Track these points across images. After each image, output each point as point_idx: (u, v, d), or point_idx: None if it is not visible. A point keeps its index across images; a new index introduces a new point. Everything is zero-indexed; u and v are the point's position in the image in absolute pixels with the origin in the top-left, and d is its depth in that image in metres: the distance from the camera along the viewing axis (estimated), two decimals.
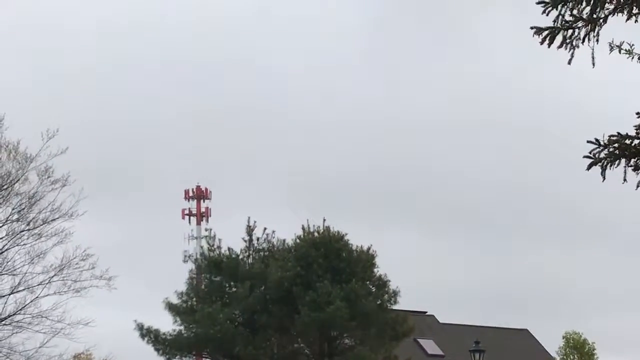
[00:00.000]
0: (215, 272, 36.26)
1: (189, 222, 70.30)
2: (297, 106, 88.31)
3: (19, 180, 30.51)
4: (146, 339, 35.64)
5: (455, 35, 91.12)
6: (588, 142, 11.31)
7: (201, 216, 70.01)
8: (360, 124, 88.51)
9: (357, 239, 36.17)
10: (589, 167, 11.35)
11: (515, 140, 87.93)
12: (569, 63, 10.76)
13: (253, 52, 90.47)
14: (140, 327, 35.58)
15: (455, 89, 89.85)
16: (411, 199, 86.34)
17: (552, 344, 52.70)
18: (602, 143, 11.28)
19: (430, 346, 49.61)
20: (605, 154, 11.27)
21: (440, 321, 52.37)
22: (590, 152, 11.35)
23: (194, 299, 36.09)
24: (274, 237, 36.86)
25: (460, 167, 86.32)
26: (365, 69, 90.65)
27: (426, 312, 51.81)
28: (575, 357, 47.86)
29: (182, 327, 35.70)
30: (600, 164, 11.30)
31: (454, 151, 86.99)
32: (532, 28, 10.89)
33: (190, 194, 70.72)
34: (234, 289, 35.89)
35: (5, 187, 30.28)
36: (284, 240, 36.75)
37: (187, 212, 70.42)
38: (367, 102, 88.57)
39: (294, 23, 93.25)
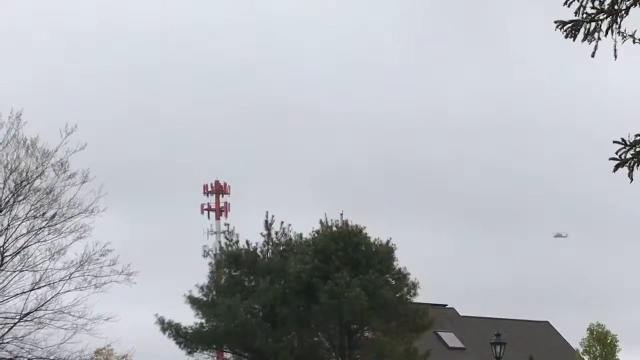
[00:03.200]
0: (234, 266, 36.35)
1: (208, 217, 70.47)
2: (324, 104, 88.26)
3: (38, 176, 30.56)
4: (167, 333, 35.81)
5: (487, 34, 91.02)
6: (614, 142, 10.92)
7: (220, 211, 70.11)
8: (386, 122, 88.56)
9: (377, 234, 36.24)
10: (616, 168, 10.95)
11: (536, 138, 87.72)
12: (592, 56, 10.61)
13: (284, 51, 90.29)
14: (161, 322, 35.73)
15: (485, 89, 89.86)
16: (432, 194, 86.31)
17: (573, 336, 52.53)
18: (628, 143, 10.90)
19: (450, 339, 49.54)
20: (632, 154, 10.89)
21: (461, 314, 52.28)
22: (616, 153, 10.93)
23: (215, 293, 36.20)
24: (291, 232, 36.99)
25: (480, 164, 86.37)
26: (395, 67, 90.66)
27: (446, 305, 51.76)
28: (598, 349, 47.67)
29: (203, 321, 35.85)
30: (627, 164, 10.90)
31: (474, 149, 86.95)
32: (555, 22, 10.76)
33: (209, 188, 70.84)
34: (252, 283, 35.97)
35: (24, 183, 30.34)
36: (302, 235, 36.90)
37: (206, 207, 70.54)
38: (394, 101, 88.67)
39: (325, 23, 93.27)
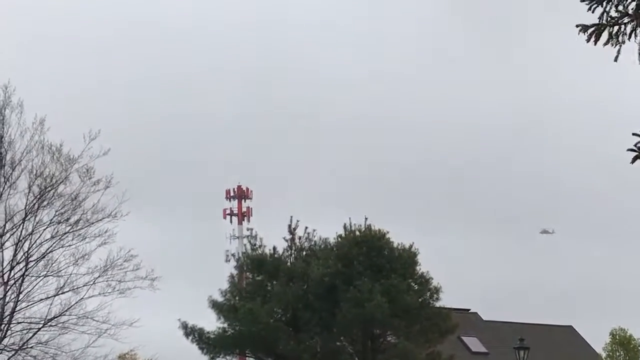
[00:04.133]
0: (257, 270, 36.39)
1: (230, 222, 70.59)
2: (350, 109, 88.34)
3: (62, 182, 30.72)
4: (190, 337, 35.88)
5: (518, 43, 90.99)
6: (633, 134, 10.74)
7: (242, 216, 70.23)
8: (415, 127, 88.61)
9: (400, 238, 36.22)
10: (634, 160, 10.77)
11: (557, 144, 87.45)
12: (615, 60, 10.54)
13: (313, 55, 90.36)
14: (184, 326, 35.82)
15: (518, 95, 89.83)
16: (457, 200, 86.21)
17: (597, 340, 52.28)
18: None
19: (474, 344, 49.39)
20: None
21: (484, 318, 52.13)
22: (635, 145, 10.74)
23: (237, 297, 36.25)
24: (315, 236, 36.99)
25: (502, 168, 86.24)
26: (426, 73, 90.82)
27: (470, 309, 51.60)
28: (621, 353, 47.45)
29: (225, 325, 35.89)
30: None
31: (501, 154, 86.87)
32: (577, 26, 10.70)
33: (232, 193, 70.98)
34: (274, 288, 35.99)
35: (48, 189, 30.49)
36: (326, 239, 36.89)
37: (228, 211, 70.68)
38: (425, 105, 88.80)
39: (357, 30, 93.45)
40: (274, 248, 36.50)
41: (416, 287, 35.72)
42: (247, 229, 46.73)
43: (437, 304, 36.06)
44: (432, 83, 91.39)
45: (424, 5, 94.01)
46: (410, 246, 36.18)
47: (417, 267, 36.03)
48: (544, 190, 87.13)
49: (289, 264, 36.40)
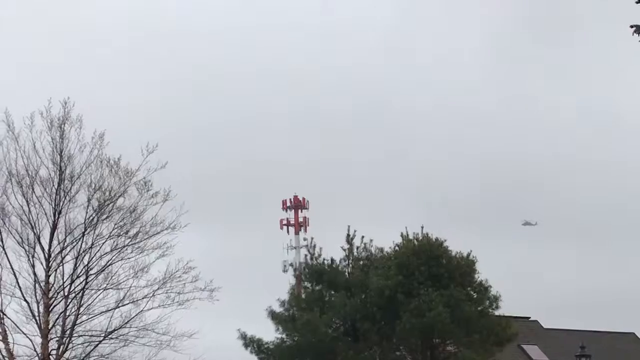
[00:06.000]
0: (316, 281, 36.39)
1: (287, 232, 70.68)
2: (403, 118, 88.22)
3: (120, 195, 31.00)
4: (249, 348, 35.96)
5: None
6: None
7: (299, 226, 70.29)
8: (468, 138, 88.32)
9: (459, 247, 36.02)
10: None
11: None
12: None
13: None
14: (243, 337, 35.91)
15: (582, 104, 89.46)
16: (514, 206, 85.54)
17: None
18: None
19: (534, 352, 48.88)
20: None
21: (545, 326, 51.61)
22: None
23: (295, 308, 36.27)
24: (372, 246, 36.91)
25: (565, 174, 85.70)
26: (488, 72, 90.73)
27: (529, 317, 51.12)
28: None
29: (283, 336, 35.92)
30: None
31: (561, 158, 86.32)
32: (632, 27, 10.53)
33: (288, 204, 71.09)
34: (333, 298, 35.97)
35: (107, 202, 30.78)
36: (382, 249, 36.81)
37: (285, 222, 70.79)
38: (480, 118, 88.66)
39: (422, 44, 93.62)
40: (332, 259, 36.52)
41: (475, 295, 35.49)
42: (304, 239, 46.71)
43: (497, 313, 35.80)
44: (501, 83, 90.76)
45: None
46: (469, 254, 35.98)
47: (476, 275, 35.81)
48: (603, 197, 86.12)
49: (346, 274, 36.37)
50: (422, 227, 36.23)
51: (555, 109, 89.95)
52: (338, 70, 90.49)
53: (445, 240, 35.94)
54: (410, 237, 36.04)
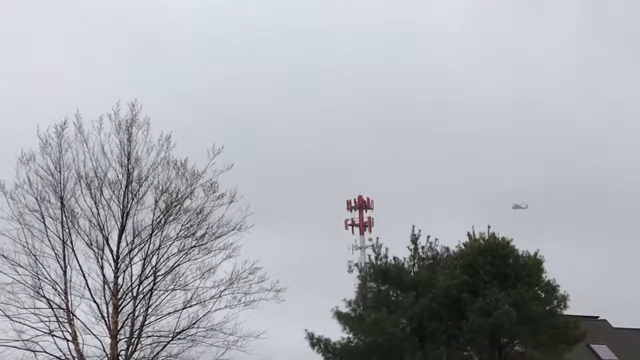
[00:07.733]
0: (382, 280, 36.35)
1: (352, 232, 70.64)
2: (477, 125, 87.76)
3: (187, 197, 31.19)
4: (316, 348, 36.06)
5: None
6: None
7: (364, 226, 70.23)
8: (539, 141, 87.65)
9: (526, 246, 35.75)
10: None
11: None
12: None
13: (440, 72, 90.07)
14: (310, 337, 36.01)
15: None
16: (585, 206, 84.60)
17: None
18: None
19: (604, 352, 48.32)
20: None
21: (614, 326, 50.98)
22: None
23: (362, 308, 36.28)
24: (437, 246, 36.80)
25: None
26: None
27: (598, 317, 50.54)
28: None
29: (350, 336, 35.94)
30: None
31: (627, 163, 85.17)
32: None
33: (352, 204, 71.05)
34: (399, 298, 35.91)
35: (174, 204, 31.01)
36: (448, 248, 36.70)
37: (349, 222, 70.78)
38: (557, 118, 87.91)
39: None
40: (394, 258, 36.46)
41: (542, 295, 35.21)
42: (369, 239, 46.68)
43: (565, 312, 35.46)
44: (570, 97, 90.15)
45: None
46: (536, 254, 35.72)
47: (543, 275, 35.52)
48: None
49: (412, 273, 36.29)
50: (489, 227, 36.15)
51: None
52: (405, 69, 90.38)
53: (511, 240, 35.74)
54: (477, 236, 35.91)
